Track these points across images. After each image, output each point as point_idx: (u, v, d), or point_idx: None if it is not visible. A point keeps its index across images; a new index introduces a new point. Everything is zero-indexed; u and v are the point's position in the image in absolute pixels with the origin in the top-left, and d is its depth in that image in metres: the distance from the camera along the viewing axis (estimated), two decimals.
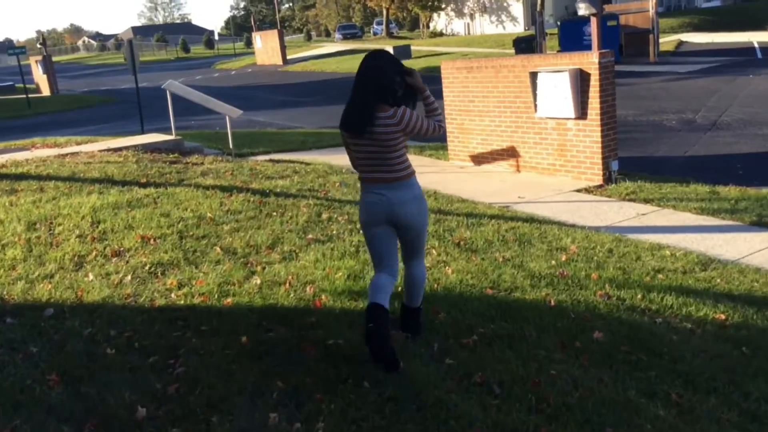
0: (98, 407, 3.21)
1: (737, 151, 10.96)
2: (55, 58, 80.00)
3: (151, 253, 5.44)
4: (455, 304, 4.36)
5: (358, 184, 7.48)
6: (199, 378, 3.40)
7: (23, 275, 5.03)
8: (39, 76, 36.09)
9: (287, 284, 4.74)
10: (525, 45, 25.69)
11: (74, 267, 5.21)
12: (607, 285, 4.93)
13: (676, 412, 3.33)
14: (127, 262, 5.28)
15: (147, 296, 4.56)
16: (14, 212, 6.64)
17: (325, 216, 6.68)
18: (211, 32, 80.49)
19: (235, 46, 70.86)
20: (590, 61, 8.40)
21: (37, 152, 10.83)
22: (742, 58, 23.92)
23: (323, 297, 4.50)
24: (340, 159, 10.85)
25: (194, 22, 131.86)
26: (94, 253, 5.49)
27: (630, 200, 7.77)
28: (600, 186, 8.44)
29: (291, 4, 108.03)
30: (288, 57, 45.18)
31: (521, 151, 9.48)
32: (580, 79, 8.46)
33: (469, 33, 51.25)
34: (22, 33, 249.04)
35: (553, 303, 4.49)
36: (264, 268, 5.12)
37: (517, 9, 47.51)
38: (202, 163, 9.59)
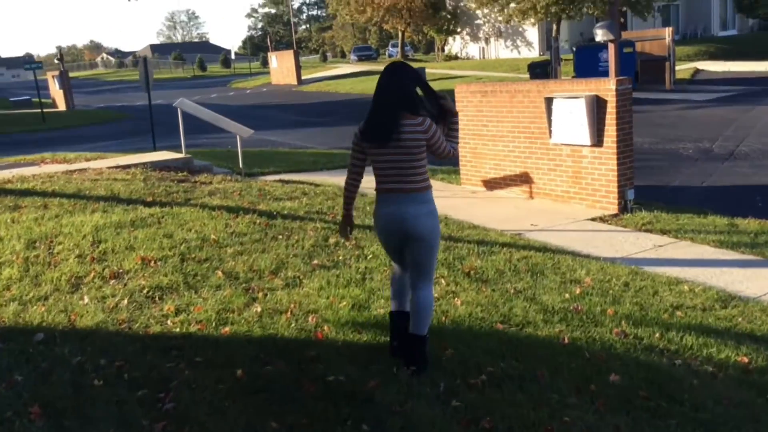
0: None
1: (756, 182, 10.71)
2: (73, 74, 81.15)
3: (150, 276, 5.27)
4: (464, 339, 4.15)
5: (368, 208, 7.23)
6: (189, 415, 3.21)
7: (17, 296, 4.88)
8: (55, 91, 36.38)
9: (289, 313, 4.55)
10: (540, 70, 25.56)
11: (70, 289, 5.05)
12: (624, 322, 4.70)
13: None
14: (125, 284, 5.11)
15: (142, 322, 4.39)
16: (15, 229, 6.51)
17: (332, 240, 6.50)
18: (228, 51, 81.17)
19: (251, 66, 71.34)
20: (607, 87, 8.22)
21: (46, 168, 10.75)
22: (759, 88, 23.67)
23: (326, 328, 4.30)
24: None
25: (212, 41, 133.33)
26: (92, 274, 5.33)
27: (646, 231, 7.54)
28: (615, 215, 8.22)
29: (308, 26, 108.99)
30: (303, 77, 45.34)
31: (535, 178, 9.28)
32: (597, 106, 8.28)
33: (483, 57, 51.27)
34: (42, 48, 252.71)
35: (566, 341, 4.27)
36: (266, 295, 4.94)
37: (533, 34, 47.48)
38: (211, 183, 9.46)
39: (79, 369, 3.72)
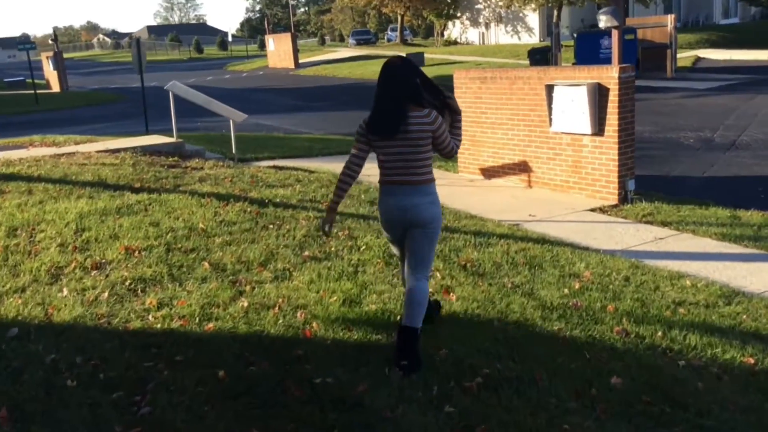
0: None
1: (758, 173, 10.51)
2: (69, 55, 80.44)
3: (133, 267, 5.06)
4: (459, 338, 3.96)
5: (362, 196, 7.04)
6: (165, 421, 3.02)
7: None
8: (49, 72, 35.98)
9: (277, 308, 4.36)
10: (540, 56, 25.28)
11: (49, 280, 4.85)
12: (625, 319, 4.52)
13: None
14: (107, 276, 4.91)
15: (122, 317, 4.19)
16: None
17: None
18: (225, 34, 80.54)
19: (248, 49, 70.77)
20: (610, 75, 8.00)
21: (34, 151, 10.52)
22: (761, 77, 23.43)
23: (314, 325, 4.11)
24: None
25: (209, 23, 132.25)
26: (73, 264, 5.12)
27: (647, 222, 7.35)
28: (615, 206, 8.03)
29: (306, 9, 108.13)
30: (300, 61, 44.92)
31: (534, 167, 9.08)
32: (599, 94, 8.07)
33: (483, 42, 50.88)
34: (40, 29, 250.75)
35: (566, 339, 4.09)
36: (253, 288, 4.74)
37: (533, 20, 47.10)
38: (202, 168, 9.25)
39: (53, 368, 3.53)
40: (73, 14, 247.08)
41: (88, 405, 3.15)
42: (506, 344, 3.91)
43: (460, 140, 3.90)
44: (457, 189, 9.17)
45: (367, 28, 71.66)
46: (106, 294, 4.54)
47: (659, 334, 4.33)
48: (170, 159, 9.77)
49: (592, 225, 7.35)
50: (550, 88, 8.59)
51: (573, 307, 4.66)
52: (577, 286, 5.13)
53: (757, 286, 5.45)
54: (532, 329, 4.22)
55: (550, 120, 8.66)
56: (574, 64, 22.85)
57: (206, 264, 5.19)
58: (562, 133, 8.57)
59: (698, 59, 30.03)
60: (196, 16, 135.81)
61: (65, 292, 4.60)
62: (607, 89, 8.00)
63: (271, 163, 10.89)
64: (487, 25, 51.58)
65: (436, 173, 10.04)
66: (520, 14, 46.87)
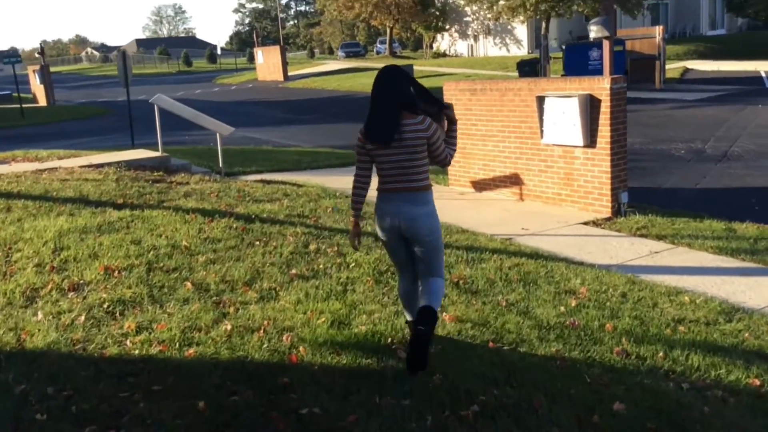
0: None
1: (751, 184, 10.41)
2: (57, 69, 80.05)
3: (112, 288, 4.86)
4: (453, 362, 3.78)
5: (351, 211, 6.91)
6: None
7: None
8: (36, 86, 35.66)
9: (261, 331, 4.16)
10: (529, 68, 25.24)
11: (24, 302, 4.63)
12: (624, 339, 4.36)
13: None
14: (85, 298, 4.70)
15: (98, 342, 3.98)
16: None
17: (312, 247, 6.11)
18: (214, 47, 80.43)
19: (237, 62, 70.67)
20: (601, 86, 7.89)
21: (16, 166, 10.29)
22: (750, 87, 23.48)
23: (301, 349, 3.91)
24: (335, 181, 10.33)
25: (199, 36, 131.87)
26: (50, 286, 4.91)
27: (641, 236, 7.21)
28: (608, 219, 7.89)
29: (296, 21, 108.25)
30: (289, 73, 44.80)
31: (525, 179, 8.94)
32: (590, 106, 7.95)
33: (472, 54, 50.96)
34: (28, 42, 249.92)
35: (565, 362, 3.91)
36: (237, 310, 4.54)
37: (522, 32, 47.22)
38: (187, 183, 9.04)
39: (23, 399, 3.31)
40: (62, 28, 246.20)
41: None
42: (503, 368, 3.73)
43: (454, 149, 3.94)
44: (448, 202, 9.00)
45: (356, 41, 71.71)
46: (82, 317, 4.33)
47: (660, 354, 4.17)
48: (155, 174, 9.57)
49: (585, 239, 7.21)
50: (541, 100, 8.47)
51: (570, 326, 4.50)
52: (573, 304, 4.97)
53: (756, 302, 5.31)
54: (529, 351, 4.05)
55: (542, 132, 8.54)
56: (563, 75, 22.81)
57: (188, 284, 4.99)
58: (554, 145, 8.44)
59: (686, 70, 30.11)
60: (185, 29, 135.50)
61: (40, 315, 4.38)
62: (599, 100, 7.88)
63: (258, 176, 10.70)
64: (475, 38, 51.69)
65: None
66: (509, 26, 46.99)
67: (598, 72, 21.52)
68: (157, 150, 11.26)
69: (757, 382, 3.90)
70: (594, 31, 10.04)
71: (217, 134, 10.70)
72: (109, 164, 9.96)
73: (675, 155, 12.96)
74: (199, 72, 64.77)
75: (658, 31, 25.00)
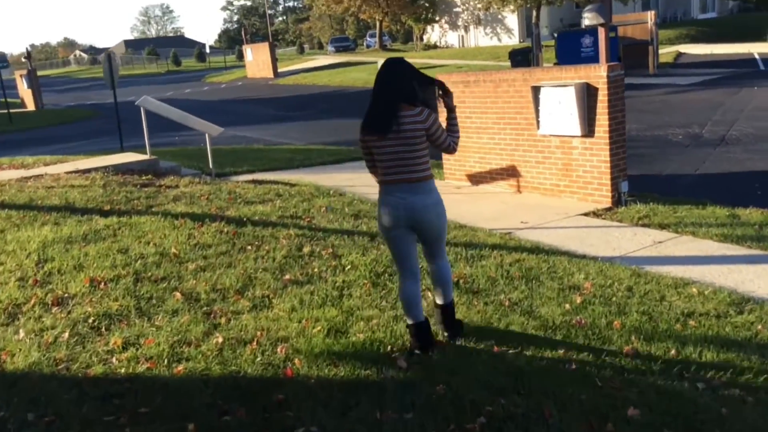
0: None
1: (751, 168, 10.24)
2: (46, 72, 79.47)
3: (98, 301, 4.65)
4: (456, 369, 3.59)
5: (346, 209, 6.77)
6: None
7: None
8: (24, 91, 35.31)
9: (254, 343, 3.96)
10: (521, 57, 25.02)
11: (6, 320, 4.42)
12: (633, 336, 4.18)
13: None
14: (69, 313, 4.49)
15: (83, 361, 3.77)
16: None
17: (306, 250, 5.91)
18: (203, 45, 79.93)
19: (226, 59, 70.27)
20: (598, 74, 7.69)
21: (1, 174, 10.05)
22: (744, 70, 23.32)
23: (296, 361, 3.71)
24: (328, 179, 10.13)
25: (187, 35, 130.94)
26: (33, 300, 4.70)
27: (643, 225, 7.03)
28: (609, 209, 7.71)
29: (284, 17, 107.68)
30: (279, 70, 44.52)
31: (522, 171, 8.75)
32: (587, 94, 7.76)
33: (463, 45, 50.71)
34: (16, 47, 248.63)
35: (573, 365, 3.73)
36: (229, 320, 4.34)
37: (512, 21, 46.98)
38: (177, 186, 8.82)
39: (1, 428, 3.11)
40: (50, 31, 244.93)
41: None
42: (509, 374, 3.54)
43: (458, 136, 3.99)
44: (445, 197, 8.61)
45: (345, 35, 71.31)
46: (66, 334, 4.12)
47: (672, 352, 3.99)
48: (143, 177, 9.34)
49: (587, 230, 7.02)
50: (536, 90, 8.28)
51: (577, 326, 4.31)
52: (578, 301, 4.78)
53: (766, 291, 5.14)
54: (535, 354, 3.86)
55: (538, 122, 8.35)
56: (555, 63, 22.62)
57: (178, 294, 4.78)
58: (551, 135, 8.25)
59: (679, 54, 29.93)
60: (173, 28, 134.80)
61: (22, 333, 4.17)
62: (596, 89, 7.69)
63: (250, 177, 10.49)
64: (466, 28, 51.44)
65: None
66: (499, 16, 46.76)
67: (591, 59, 21.34)
68: (146, 153, 11.02)
69: None
70: (588, 19, 9.85)
71: (206, 135, 10.47)
72: (96, 169, 9.73)
73: (672, 141, 12.79)
74: (188, 71, 64.37)
75: (650, 16, 24.82)
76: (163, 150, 13.92)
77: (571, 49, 23.02)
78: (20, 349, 3.93)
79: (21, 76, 35.27)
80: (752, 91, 18.25)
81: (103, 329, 4.22)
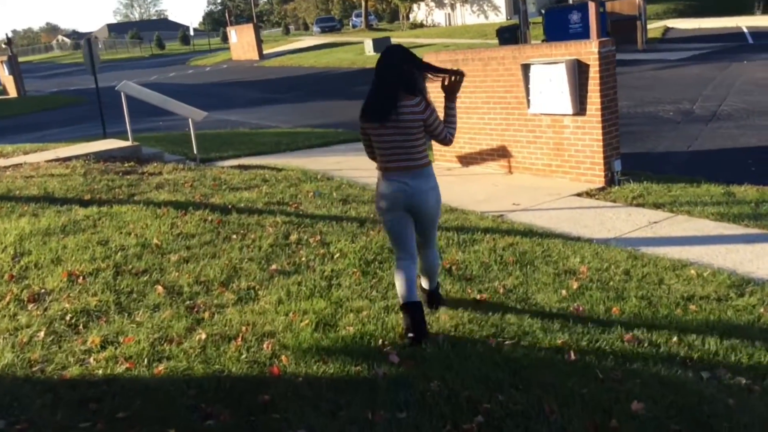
0: None
1: (744, 144, 10.10)
2: (28, 58, 78.34)
3: (76, 297, 4.45)
4: (451, 364, 3.42)
5: (334, 194, 6.67)
6: None
7: None
8: (5, 77, 34.68)
9: (239, 339, 3.78)
10: (509, 35, 24.77)
11: None
12: (633, 323, 4.03)
13: None
14: (45, 310, 4.29)
15: (59, 362, 3.58)
16: None
17: (293, 237, 5.72)
18: (186, 28, 78.94)
19: (210, 42, 69.44)
20: (589, 50, 7.50)
21: None
22: (733, 44, 23.16)
23: (283, 358, 3.53)
24: (316, 162, 9.92)
25: (171, 18, 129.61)
26: (8, 297, 4.50)
27: (638, 205, 6.89)
28: (602, 189, 7.56)
29: None
30: (264, 52, 44.00)
31: (513, 151, 8.58)
32: (578, 71, 7.57)
33: (450, 24, 50.28)
34: None
35: (573, 356, 3.57)
36: (213, 315, 4.16)
37: None
38: (160, 173, 8.59)
39: None
40: (32, 16, 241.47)
41: None
42: (506, 368, 3.38)
43: (454, 128, 3.97)
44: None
45: (331, 15, 70.53)
46: (42, 333, 3.93)
47: (674, 339, 3.85)
48: (126, 165, 9.11)
49: (580, 211, 6.87)
50: (526, 68, 8.09)
51: (575, 314, 4.16)
52: (575, 286, 4.64)
53: (766, 271, 5.01)
54: (533, 345, 3.70)
55: (528, 101, 8.17)
56: (543, 40, 22.38)
57: (159, 288, 4.59)
58: (542, 114, 8.08)
59: (667, 29, 29.75)
60: (156, 11, 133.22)
61: None
62: (587, 65, 7.51)
63: (236, 162, 10.27)
64: (452, 6, 50.97)
65: None
66: None
67: (580, 36, 21.10)
68: (128, 139, 10.75)
69: None
70: None
71: (189, 120, 10.21)
72: (77, 157, 9.48)
73: (664, 117, 12.64)
74: (172, 55, 63.58)
75: None
76: (147, 136, 13.64)
77: (559, 25, 22.81)
78: None
79: (1, 62, 34.63)
80: (742, 66, 18.12)
81: (81, 327, 4.03)
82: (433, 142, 7.62)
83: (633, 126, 11.87)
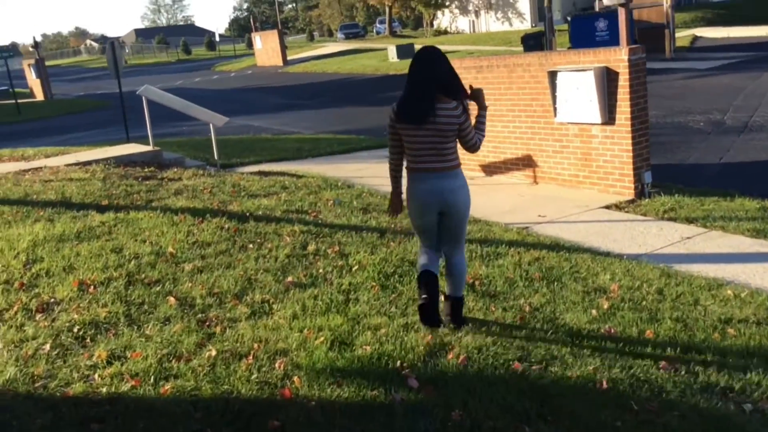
0: None
1: None
2: (56, 62, 79.43)
3: (86, 307, 4.30)
4: (473, 389, 3.21)
5: (354, 203, 6.54)
6: None
7: None
8: (32, 81, 35.09)
9: (251, 357, 3.60)
10: (534, 42, 24.44)
11: None
12: (669, 348, 3.79)
13: None
14: (53, 320, 4.15)
15: (62, 378, 3.42)
16: None
17: (311, 248, 5.54)
18: (212, 34, 79.55)
19: (235, 48, 69.87)
20: (618, 57, 7.27)
21: (0, 166, 9.74)
22: (764, 53, 22.64)
23: (296, 379, 3.34)
24: (337, 170, 9.75)
25: (197, 23, 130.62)
26: (16, 306, 4.36)
27: (669, 219, 6.62)
28: (632, 201, 7.30)
29: (294, 5, 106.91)
30: (289, 58, 44.10)
31: (539, 161, 8.34)
32: (607, 79, 7.34)
33: (474, 31, 50.03)
34: (28, 37, 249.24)
35: (605, 384, 3.34)
36: (225, 330, 3.99)
37: (524, 5, 46.26)
38: (180, 179, 8.48)
39: None
40: (62, 21, 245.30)
41: None
42: (533, 396, 3.15)
43: (483, 135, 3.99)
44: None
45: (355, 22, 70.64)
46: (47, 346, 3.78)
47: (713, 366, 3.60)
48: (146, 170, 9.01)
49: (609, 225, 6.63)
50: (552, 75, 7.86)
51: (606, 335, 3.93)
52: (605, 306, 4.40)
53: None
54: (561, 371, 3.47)
55: (555, 110, 7.94)
56: (569, 48, 22.07)
57: (171, 299, 4.43)
58: (569, 123, 7.85)
59: (695, 38, 29.24)
60: (183, 17, 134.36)
61: (0, 345, 3.83)
62: (617, 73, 7.28)
63: (256, 168, 10.14)
64: (477, 13, 50.73)
65: None
66: (511, 0, 46.05)
67: (606, 44, 20.74)
68: (149, 144, 10.67)
69: None
70: (607, 0, 9.38)
71: (211, 125, 10.11)
72: (97, 161, 9.41)
73: (694, 128, 12.30)
74: (198, 60, 64.06)
75: None
76: (169, 141, 13.59)
77: (585, 33, 22.46)
78: None
79: (29, 65, 35.04)
80: None
81: (88, 340, 3.88)
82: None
83: (662, 136, 11.56)
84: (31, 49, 37.28)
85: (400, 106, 3.82)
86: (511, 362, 3.53)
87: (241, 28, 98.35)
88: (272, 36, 45.38)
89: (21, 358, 3.65)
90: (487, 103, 9.40)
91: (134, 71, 51.43)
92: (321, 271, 5.00)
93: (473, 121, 3.95)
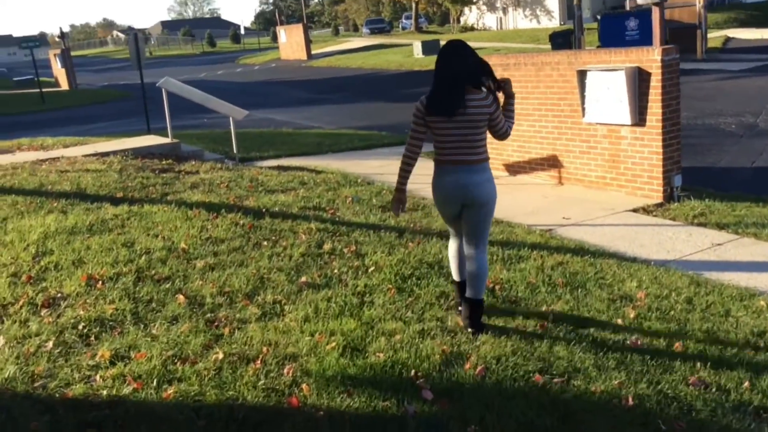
0: None
1: None
2: (83, 52, 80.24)
3: (92, 304, 4.18)
4: (491, 403, 3.03)
5: (374, 200, 6.40)
6: None
7: None
8: (57, 70, 35.39)
9: (259, 361, 3.44)
10: (562, 40, 24.07)
11: None
12: (699, 363, 3.58)
13: None
14: (59, 316, 4.03)
15: (63, 378, 3.29)
16: None
17: (327, 247, 5.39)
18: (238, 27, 79.82)
19: (260, 41, 70.01)
20: (651, 58, 7.02)
21: (20, 156, 9.72)
22: None
23: (304, 387, 3.18)
24: (357, 166, 9.59)
25: (223, 16, 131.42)
26: (22, 300, 4.25)
27: (699, 225, 6.38)
28: (660, 205, 7.06)
29: None
30: (313, 52, 44.02)
31: (565, 161, 8.11)
32: (639, 80, 7.09)
33: (501, 28, 49.57)
34: (56, 27, 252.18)
35: (630, 401, 3.14)
36: (233, 331, 3.84)
37: (553, 2, 45.72)
38: (197, 172, 8.37)
39: None
40: (91, 12, 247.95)
41: None
42: (554, 412, 2.97)
43: (513, 122, 4.00)
44: None
45: (381, 17, 70.36)
46: (50, 343, 3.65)
47: (746, 384, 3.39)
48: (164, 162, 8.91)
49: (636, 229, 6.39)
50: (582, 74, 7.63)
51: (632, 347, 3.72)
52: (632, 315, 4.19)
53: None
54: (584, 386, 3.27)
55: (583, 110, 7.71)
56: (598, 47, 21.69)
57: (181, 297, 4.29)
58: (597, 123, 7.61)
59: (728, 39, 28.65)
60: (209, 10, 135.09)
61: (2, 341, 3.72)
62: (649, 74, 7.03)
63: (275, 162, 10.01)
64: (504, 10, 50.26)
65: None
66: None
67: (636, 43, 20.35)
68: (172, 135, 10.58)
69: None
70: None
71: (230, 118, 9.99)
72: (115, 152, 9.33)
73: (726, 130, 11.97)
74: (222, 52, 64.29)
75: None
76: (189, 133, 13.51)
77: (615, 32, 22.07)
78: None
79: (54, 55, 35.34)
80: None
81: (93, 338, 3.75)
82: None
83: (692, 138, 11.24)
84: (57, 39, 37.52)
85: (430, 99, 3.79)
86: (531, 374, 3.35)
87: (266, 22, 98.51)
88: (297, 30, 45.34)
89: (22, 355, 3.53)
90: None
91: (158, 63, 51.72)
92: (336, 271, 4.84)
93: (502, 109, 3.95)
